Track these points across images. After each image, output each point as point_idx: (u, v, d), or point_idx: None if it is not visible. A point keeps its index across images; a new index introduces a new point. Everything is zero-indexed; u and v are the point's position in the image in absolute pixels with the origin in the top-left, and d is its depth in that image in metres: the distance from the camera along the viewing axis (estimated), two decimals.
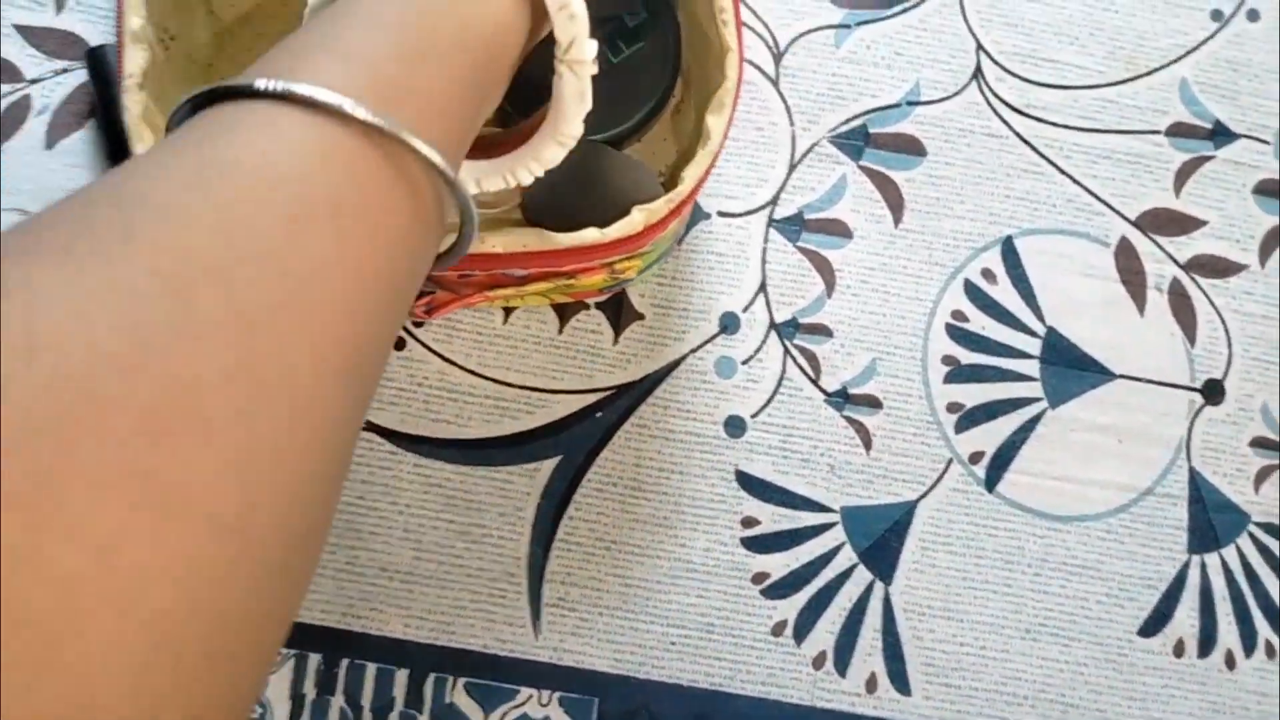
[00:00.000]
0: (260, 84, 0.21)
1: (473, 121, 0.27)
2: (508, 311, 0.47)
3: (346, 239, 0.21)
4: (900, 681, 0.46)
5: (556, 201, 0.42)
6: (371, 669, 0.45)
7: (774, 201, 0.49)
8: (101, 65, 0.45)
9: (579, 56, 0.29)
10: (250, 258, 0.19)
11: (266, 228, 0.20)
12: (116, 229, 0.18)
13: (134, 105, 0.36)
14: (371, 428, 0.46)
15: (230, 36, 0.46)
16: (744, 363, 0.48)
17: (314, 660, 0.45)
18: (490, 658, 0.45)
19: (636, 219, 0.38)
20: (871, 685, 0.46)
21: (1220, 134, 0.52)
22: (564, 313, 0.47)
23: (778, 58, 0.50)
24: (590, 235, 0.37)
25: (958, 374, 0.49)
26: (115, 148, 0.44)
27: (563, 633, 0.46)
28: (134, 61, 0.36)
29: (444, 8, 0.26)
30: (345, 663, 0.45)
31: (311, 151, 0.21)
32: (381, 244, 0.22)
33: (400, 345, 0.46)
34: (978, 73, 0.51)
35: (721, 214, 0.49)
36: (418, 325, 0.47)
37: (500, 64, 0.28)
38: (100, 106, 0.45)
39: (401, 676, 0.45)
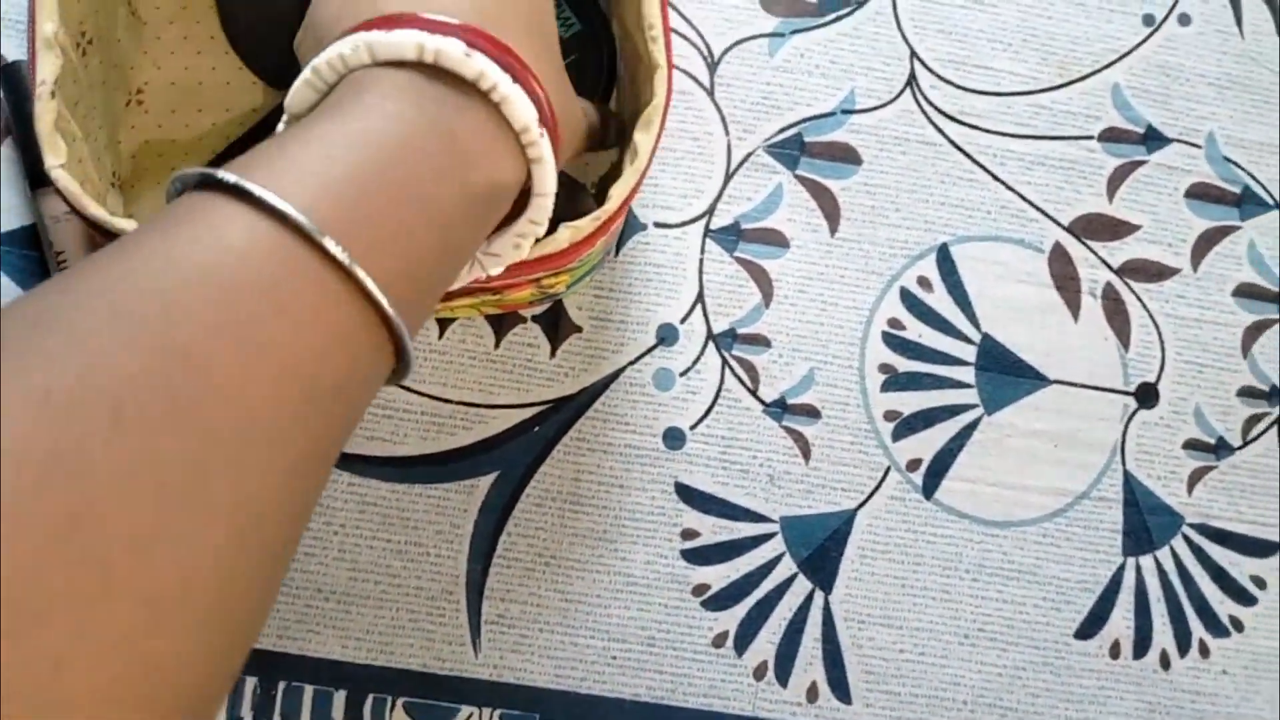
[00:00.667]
0: (221, 176, 0.22)
1: (439, 267, 0.28)
2: (443, 326, 0.47)
3: (267, 349, 0.21)
4: (841, 690, 0.47)
5: None
6: (309, 691, 0.44)
7: (710, 212, 0.49)
8: (16, 81, 0.43)
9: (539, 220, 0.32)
10: (157, 374, 0.19)
11: (186, 341, 0.20)
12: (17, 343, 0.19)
13: (46, 114, 0.35)
14: None
15: (155, 40, 0.45)
16: (682, 374, 0.48)
17: (250, 683, 0.44)
18: (430, 677, 0.45)
19: (562, 236, 0.37)
20: (813, 694, 0.46)
21: (1152, 138, 0.52)
22: (500, 327, 0.47)
23: (712, 67, 0.50)
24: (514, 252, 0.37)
25: (895, 382, 0.49)
26: (34, 164, 0.43)
27: (503, 649, 0.45)
28: (46, 68, 0.35)
29: (432, 150, 0.27)
30: (282, 685, 0.44)
31: (253, 255, 0.21)
32: (306, 353, 0.22)
33: None
34: (912, 80, 0.51)
35: (658, 225, 0.49)
36: None
37: (486, 220, 0.30)
38: (15, 122, 0.44)
39: (340, 698, 0.44)
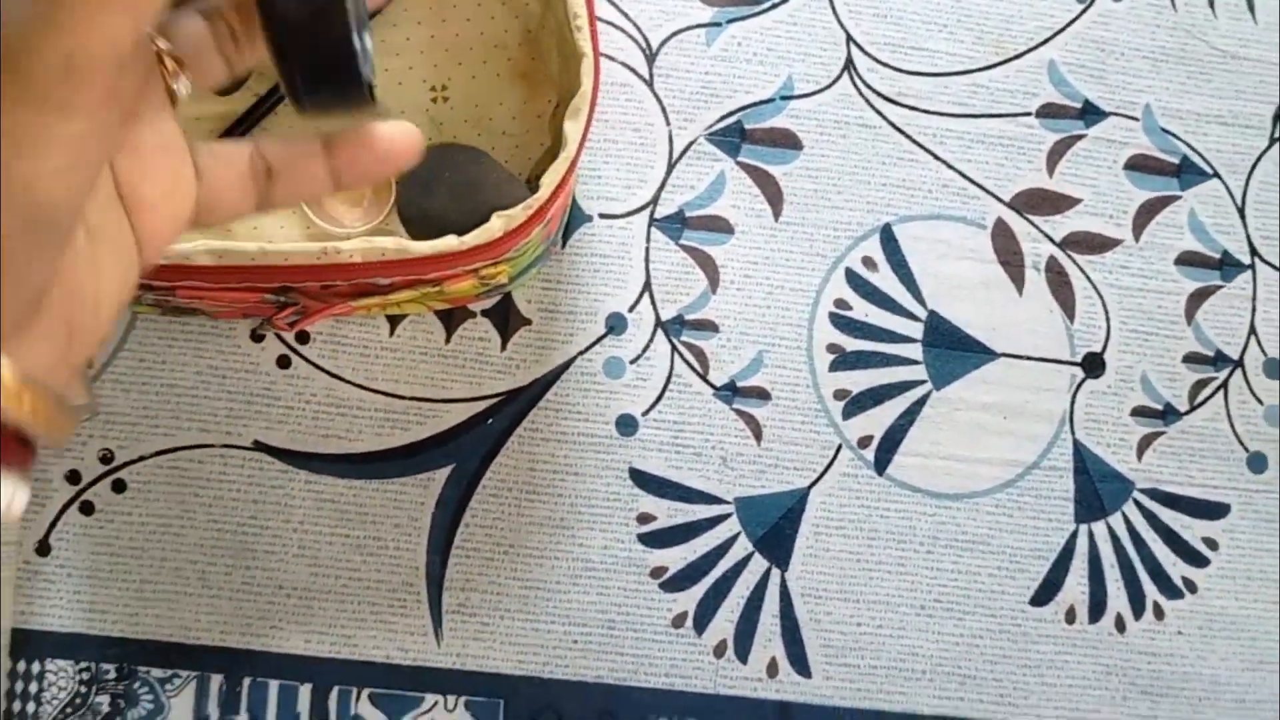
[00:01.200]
0: None
1: None
2: (394, 323, 0.47)
3: None
4: (800, 664, 0.47)
5: (429, 209, 0.43)
6: (274, 686, 0.45)
7: (654, 201, 0.50)
8: None
9: None
10: None
11: None
12: None
13: None
14: (260, 447, 0.46)
15: None
16: (632, 362, 0.49)
17: (216, 681, 0.45)
18: (394, 668, 0.46)
19: (495, 225, 0.38)
20: (773, 670, 0.47)
21: (1090, 112, 0.53)
22: (450, 322, 0.48)
23: (650, 58, 0.50)
24: (448, 243, 0.38)
25: (843, 361, 0.50)
26: None
27: (465, 638, 0.46)
28: None
29: None
30: (248, 681, 0.45)
31: None
32: None
33: (285, 363, 0.47)
34: (849, 64, 0.52)
35: (603, 216, 0.50)
36: (302, 342, 0.47)
37: None
38: None
39: (305, 692, 0.45)
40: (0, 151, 0.19)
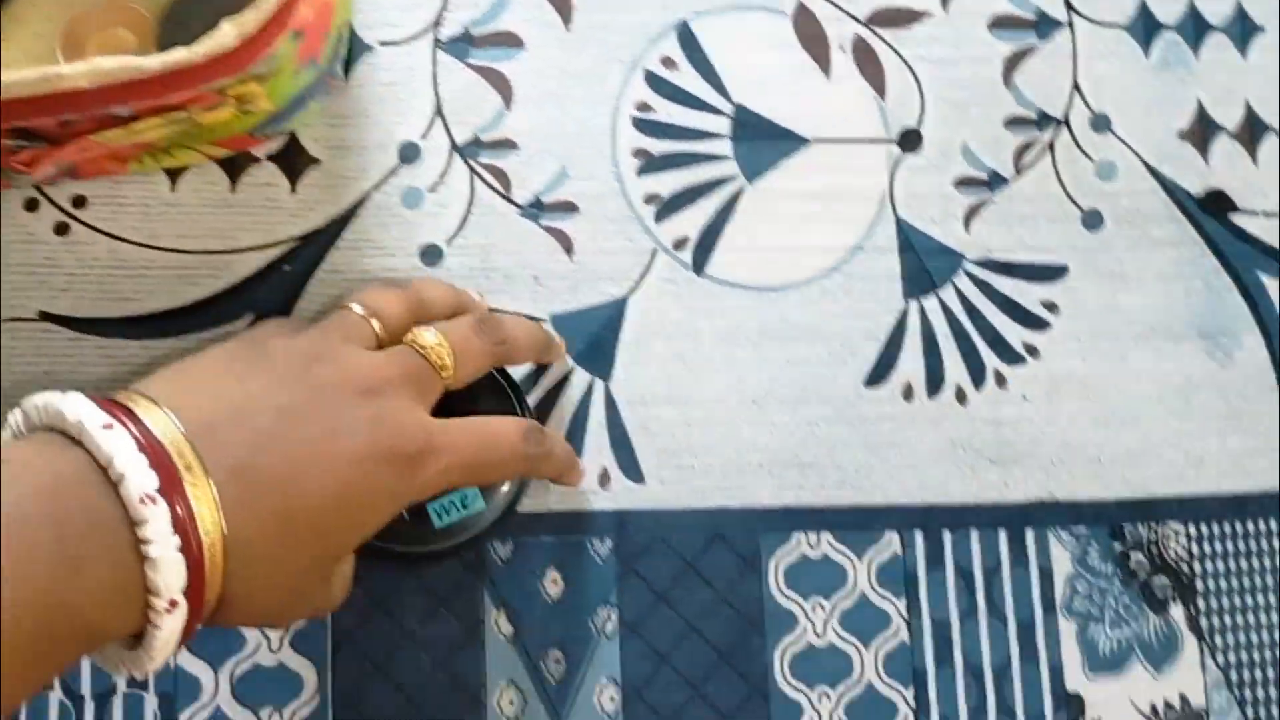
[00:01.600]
0: None
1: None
2: (173, 177, 0.46)
3: None
4: (633, 472, 0.47)
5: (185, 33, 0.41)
6: None
7: (436, 23, 0.48)
8: None
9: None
10: None
11: None
12: None
13: None
14: (46, 317, 0.45)
15: None
16: (430, 190, 0.47)
17: None
18: None
19: (226, 31, 0.37)
20: (604, 480, 0.47)
21: None
22: (233, 169, 0.46)
23: None
24: (178, 55, 0.36)
25: (650, 165, 0.49)
26: None
27: None
28: None
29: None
30: None
31: None
32: None
33: (64, 230, 0.45)
34: None
35: (383, 43, 0.48)
36: (78, 206, 0.45)
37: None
38: None
39: None
40: None
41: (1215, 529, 0.50)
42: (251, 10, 0.37)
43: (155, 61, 0.36)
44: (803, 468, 0.48)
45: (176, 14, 0.44)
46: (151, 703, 0.43)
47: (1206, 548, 0.49)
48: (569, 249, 0.48)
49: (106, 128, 0.39)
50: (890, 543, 0.48)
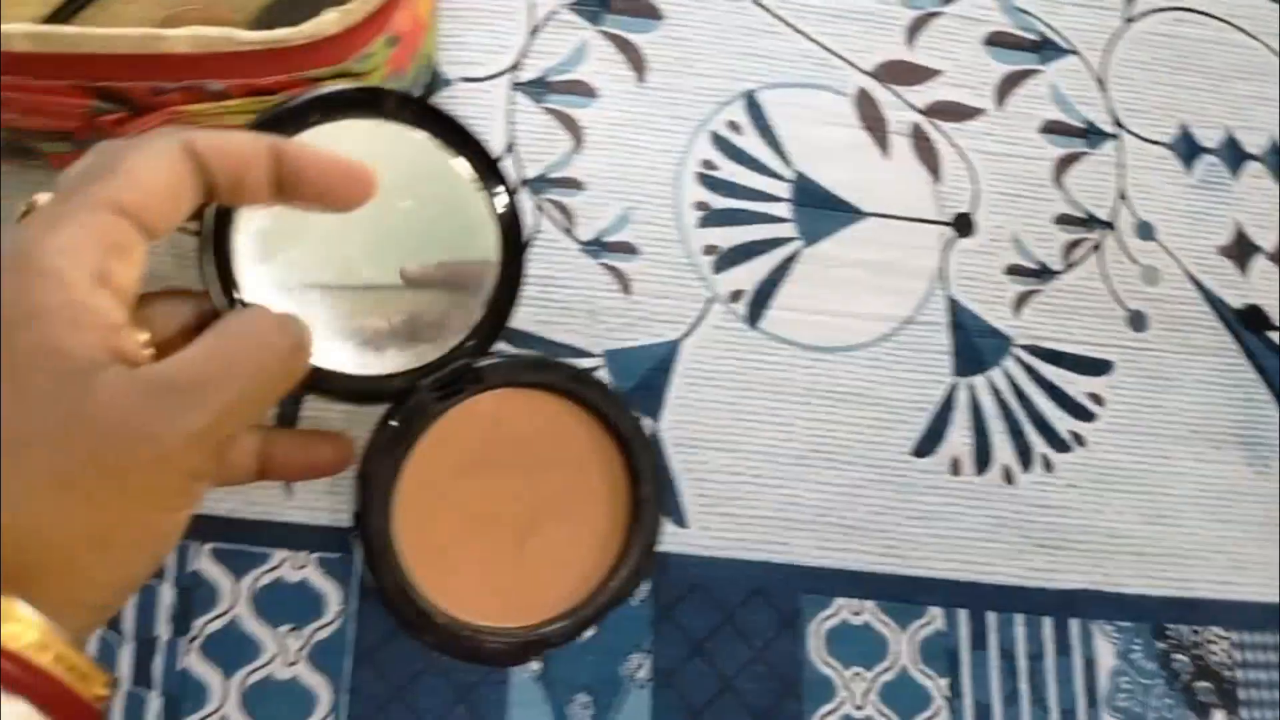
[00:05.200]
0: None
1: None
2: None
3: None
4: (676, 515, 0.45)
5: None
6: None
7: (516, 67, 0.50)
8: None
9: None
10: None
11: None
12: None
13: None
14: None
15: None
16: None
17: None
18: (238, 521, 0.43)
19: (330, 18, 0.37)
20: None
21: None
22: None
23: None
24: (280, 33, 0.37)
25: (711, 218, 0.49)
26: None
27: (318, 491, 0.44)
28: None
29: None
30: None
31: None
32: None
33: None
34: None
35: (465, 80, 0.49)
36: None
37: None
38: None
39: None
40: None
41: (1258, 639, 0.48)
42: (357, 1, 0.38)
43: (257, 35, 0.37)
44: (847, 530, 0.46)
45: (265, 21, 0.45)
46: (155, 703, 0.40)
47: (1249, 656, 0.48)
48: (626, 287, 0.48)
49: (197, 101, 0.39)
50: (934, 618, 0.46)
